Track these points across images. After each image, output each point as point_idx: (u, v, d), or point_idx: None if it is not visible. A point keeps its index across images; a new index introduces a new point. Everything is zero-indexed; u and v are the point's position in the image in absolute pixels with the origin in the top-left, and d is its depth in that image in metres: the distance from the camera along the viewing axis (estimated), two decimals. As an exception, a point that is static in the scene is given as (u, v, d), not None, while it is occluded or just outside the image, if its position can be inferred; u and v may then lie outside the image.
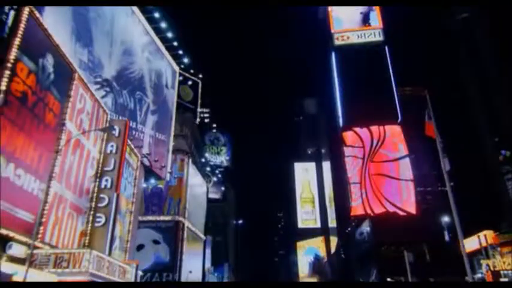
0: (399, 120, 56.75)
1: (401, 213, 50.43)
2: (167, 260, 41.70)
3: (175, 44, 37.44)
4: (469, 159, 68.78)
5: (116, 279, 19.64)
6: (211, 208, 64.46)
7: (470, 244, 44.11)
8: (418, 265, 38.66)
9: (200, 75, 56.58)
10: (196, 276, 47.58)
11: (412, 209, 51.03)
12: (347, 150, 55.73)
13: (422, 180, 79.84)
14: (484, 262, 37.42)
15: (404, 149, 54.35)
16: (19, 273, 14.40)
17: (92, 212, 21.82)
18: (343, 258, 56.99)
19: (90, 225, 21.57)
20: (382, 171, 53.79)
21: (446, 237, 61.85)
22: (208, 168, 72.50)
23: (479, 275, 39.25)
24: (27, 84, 16.58)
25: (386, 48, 61.11)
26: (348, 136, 56.70)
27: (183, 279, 41.86)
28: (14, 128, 15.71)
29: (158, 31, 36.22)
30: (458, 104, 72.05)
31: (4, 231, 14.69)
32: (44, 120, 17.95)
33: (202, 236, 53.05)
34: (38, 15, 17.49)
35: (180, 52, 37.96)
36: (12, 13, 17.11)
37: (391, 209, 50.85)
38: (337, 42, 61.72)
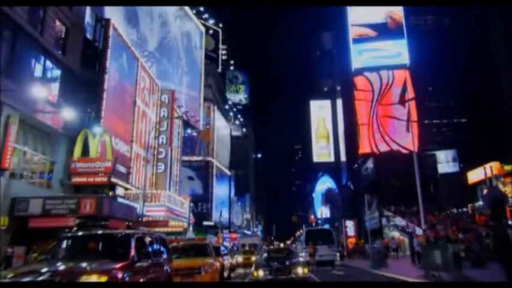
0: (407, 64, 62.52)
1: (404, 151, 58.48)
2: (200, 193, 51.93)
3: (201, 9, 43.68)
4: (486, 94, 74.72)
5: (179, 209, 29.31)
6: (233, 145, 73.60)
7: (477, 175, 51.08)
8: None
9: (220, 25, 62.54)
10: (225, 204, 58.58)
11: (414, 147, 58.95)
12: (357, 94, 62.71)
13: (440, 112, 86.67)
14: (486, 191, 44.98)
15: (410, 91, 60.77)
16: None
17: (155, 162, 30.97)
18: (351, 190, 66.88)
19: (154, 171, 30.84)
20: (388, 113, 61.04)
21: (456, 168, 70.25)
22: (231, 114, 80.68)
23: (480, 203, 46.90)
24: (115, 80, 24.69)
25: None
26: (359, 80, 63.24)
27: (214, 207, 52.42)
28: (112, 112, 24.17)
29: None
30: (478, 40, 76.17)
31: (114, 180, 23.75)
32: (125, 101, 26.31)
33: (227, 171, 63.15)
34: (116, 26, 24.96)
35: (206, 16, 44.23)
36: (97, 25, 24.76)
37: (395, 147, 58.91)
38: (351, -14, 65.46)
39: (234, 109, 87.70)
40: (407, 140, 59.84)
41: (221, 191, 57.92)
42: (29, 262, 13.56)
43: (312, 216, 77.46)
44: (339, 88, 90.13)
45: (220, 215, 56.44)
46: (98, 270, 5.01)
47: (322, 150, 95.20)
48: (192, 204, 45.18)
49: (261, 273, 11.69)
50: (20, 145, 17.90)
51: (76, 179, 20.57)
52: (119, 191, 24.65)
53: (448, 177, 62.54)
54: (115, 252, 5.96)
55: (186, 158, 51.79)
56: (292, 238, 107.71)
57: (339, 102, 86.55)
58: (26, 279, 4.81)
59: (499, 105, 74.39)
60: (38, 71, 19.34)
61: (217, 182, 55.27)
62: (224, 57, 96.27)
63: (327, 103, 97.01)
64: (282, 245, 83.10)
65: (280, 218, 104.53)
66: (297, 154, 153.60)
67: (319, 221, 79.87)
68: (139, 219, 22.15)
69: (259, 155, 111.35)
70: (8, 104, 16.51)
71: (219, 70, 64.11)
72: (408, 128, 59.18)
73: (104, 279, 4.85)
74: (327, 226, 67.68)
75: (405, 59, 63.00)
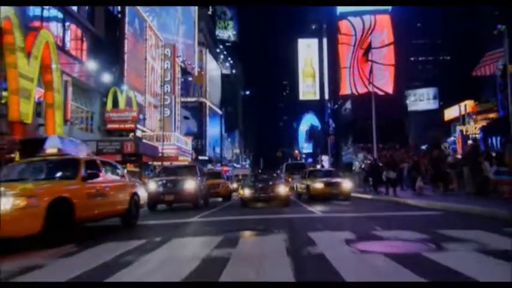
0: (390, 8, 67.88)
1: (380, 93, 66.06)
2: (195, 131, 59.44)
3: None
4: (466, 31, 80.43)
5: (185, 147, 37.10)
6: (223, 82, 79.74)
7: (452, 112, 58.04)
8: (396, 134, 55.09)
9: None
10: (216, 141, 66.70)
11: (390, 90, 66.67)
12: (341, 38, 68.65)
13: (426, 49, 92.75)
14: (459, 128, 51.81)
15: (390, 36, 67.00)
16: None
17: (162, 108, 38.07)
18: (332, 127, 75.34)
19: (162, 116, 38.06)
20: (370, 56, 67.49)
21: (436, 105, 78.31)
22: (221, 56, 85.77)
23: (452, 138, 54.08)
24: (132, 42, 31.02)
25: None
26: (343, 24, 68.81)
27: (207, 143, 60.37)
28: (131, 70, 30.83)
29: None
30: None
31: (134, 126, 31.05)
32: (139, 59, 32.82)
33: (219, 111, 70.51)
34: (130, -4, 30.68)
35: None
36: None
37: (373, 89, 66.36)
38: None
39: (225, 51, 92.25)
40: (383, 82, 67.26)
41: (213, 128, 65.72)
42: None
43: (297, 151, 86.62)
44: (325, 26, 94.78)
45: (213, 150, 64.84)
46: (191, 178, 12.65)
47: (308, 89, 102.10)
48: (192, 143, 52.98)
49: (246, 191, 13.15)
50: (73, 101, 24.91)
51: (110, 126, 27.91)
52: (138, 133, 32.11)
53: (426, 114, 70.67)
54: (189, 172, 13.57)
55: (181, 99, 58.75)
56: (279, 171, 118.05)
57: (326, 41, 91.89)
58: (161, 181, 12.47)
59: (478, 44, 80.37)
60: (78, 42, 25.81)
61: (209, 121, 62.78)
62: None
63: (314, 42, 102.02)
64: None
65: (268, 152, 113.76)
66: (285, 90, 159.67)
67: (303, 156, 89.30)
68: (160, 155, 29.92)
69: (248, 92, 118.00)
70: (65, 71, 23.26)
71: (210, 12, 68.58)
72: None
73: (194, 182, 12.45)
74: (310, 160, 76.98)
75: (388, 3, 68.09)
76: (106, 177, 7.10)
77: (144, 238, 5.99)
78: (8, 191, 4.95)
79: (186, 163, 20.31)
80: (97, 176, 6.52)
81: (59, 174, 6.29)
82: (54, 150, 6.88)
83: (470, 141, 48.10)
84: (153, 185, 12.15)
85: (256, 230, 6.63)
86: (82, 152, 7.67)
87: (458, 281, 2.98)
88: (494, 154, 12.51)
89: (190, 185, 12.31)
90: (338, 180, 15.54)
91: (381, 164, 18.62)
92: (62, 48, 23.00)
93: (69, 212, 5.60)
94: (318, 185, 14.80)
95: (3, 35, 16.79)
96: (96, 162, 7.15)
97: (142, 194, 8.78)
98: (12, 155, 7.90)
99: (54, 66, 20.55)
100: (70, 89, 23.60)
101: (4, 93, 18.06)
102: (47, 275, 3.74)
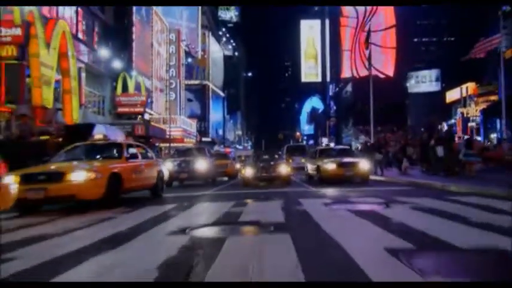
0: (393, -9, 68.51)
1: (381, 75, 67.47)
2: (199, 113, 61.23)
3: None
4: (470, 13, 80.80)
5: (190, 129, 39.03)
6: (225, 64, 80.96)
7: (454, 94, 59.18)
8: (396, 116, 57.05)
9: None
10: (219, 123, 68.50)
11: (390, 72, 68.04)
12: (343, 20, 69.63)
13: (429, 30, 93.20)
14: (460, 110, 53.34)
15: (392, 18, 67.91)
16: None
17: (167, 91, 39.88)
18: (334, 109, 77.06)
19: (168, 99, 39.88)
20: (370, 39, 68.57)
21: (438, 87, 79.58)
22: (224, 39, 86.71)
23: (452, 121, 55.71)
24: (139, 29, 32.60)
25: None
26: (345, 6, 69.60)
27: (210, 125, 62.24)
28: (139, 55, 32.51)
29: None
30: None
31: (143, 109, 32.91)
32: (145, 45, 34.44)
33: (221, 93, 72.12)
34: (137, -16, 32.10)
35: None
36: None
37: (374, 72, 67.67)
38: None
39: (227, 33, 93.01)
40: (383, 65, 68.56)
41: (216, 110, 67.51)
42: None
43: (298, 133, 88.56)
44: (327, 7, 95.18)
45: (216, 132, 66.76)
46: (202, 158, 14.65)
47: (310, 70, 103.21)
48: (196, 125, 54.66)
49: (248, 171, 13.37)
50: (86, 86, 26.74)
51: (120, 109, 29.84)
52: (146, 116, 34.02)
53: (428, 96, 71.91)
54: (200, 154, 15.58)
55: (185, 82, 60.29)
56: (280, 152, 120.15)
57: (328, 22, 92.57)
58: (176, 161, 14.44)
59: (483, 26, 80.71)
60: (89, 30, 27.49)
61: (212, 103, 64.50)
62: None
63: (316, 23, 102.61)
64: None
65: (270, 133, 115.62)
66: (287, 71, 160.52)
67: (305, 137, 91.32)
68: (167, 137, 31.91)
69: (250, 74, 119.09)
70: (78, 58, 25.01)
71: (212, -5, 69.47)
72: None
73: (205, 162, 14.43)
74: (311, 142, 78.92)
75: (390, -16, 68.71)
76: (140, 157, 9.07)
77: (174, 203, 7.99)
78: (81, 167, 6.93)
79: (192, 145, 22.24)
80: (136, 156, 8.48)
81: (108, 154, 8.26)
82: (100, 136, 8.84)
83: (471, 123, 49.15)
84: (169, 165, 14.14)
85: (259, 198, 8.63)
86: (119, 137, 9.62)
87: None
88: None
89: (201, 164, 14.30)
90: (353, 160, 13.87)
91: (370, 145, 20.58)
92: (75, 36, 24.70)
93: (119, 183, 7.58)
94: (330, 165, 13.17)
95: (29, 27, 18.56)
96: (133, 145, 9.12)
97: (165, 171, 10.75)
98: (59, 139, 9.78)
99: (70, 54, 22.36)
100: (83, 75, 25.40)
101: (27, 80, 19.92)
102: (122, 222, 5.67)
